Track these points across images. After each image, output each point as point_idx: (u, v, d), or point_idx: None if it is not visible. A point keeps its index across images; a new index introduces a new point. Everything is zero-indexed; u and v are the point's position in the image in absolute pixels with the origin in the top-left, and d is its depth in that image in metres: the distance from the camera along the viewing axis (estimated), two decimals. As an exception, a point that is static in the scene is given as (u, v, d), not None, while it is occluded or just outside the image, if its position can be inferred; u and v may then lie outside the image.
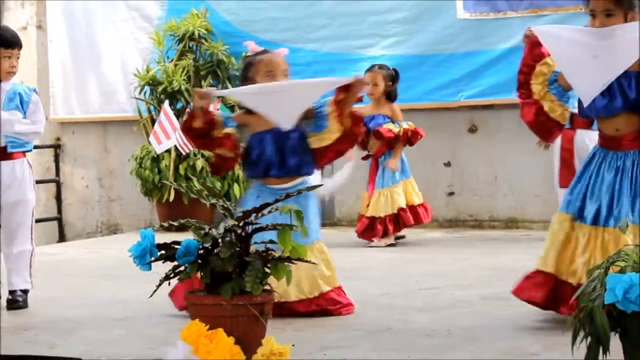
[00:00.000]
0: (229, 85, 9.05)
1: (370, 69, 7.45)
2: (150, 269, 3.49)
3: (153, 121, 8.66)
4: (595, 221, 4.05)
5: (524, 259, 4.30)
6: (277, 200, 3.60)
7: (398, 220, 7.39)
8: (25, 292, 5.00)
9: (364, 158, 7.55)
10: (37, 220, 5.20)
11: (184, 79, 9.06)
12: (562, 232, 4.12)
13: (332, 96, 4.59)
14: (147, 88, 9.31)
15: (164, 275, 3.47)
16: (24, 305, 4.95)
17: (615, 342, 2.81)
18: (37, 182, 5.19)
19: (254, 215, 3.49)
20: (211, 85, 8.93)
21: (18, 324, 4.48)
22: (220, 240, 3.44)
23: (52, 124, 9.92)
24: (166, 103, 8.05)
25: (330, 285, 4.56)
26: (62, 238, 10.22)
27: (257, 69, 4.63)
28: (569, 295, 4.01)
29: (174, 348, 3.33)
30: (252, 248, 3.53)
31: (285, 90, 4.52)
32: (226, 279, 3.39)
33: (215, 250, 3.41)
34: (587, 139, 6.56)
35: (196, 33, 9.20)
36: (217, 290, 3.39)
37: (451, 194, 8.89)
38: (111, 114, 9.92)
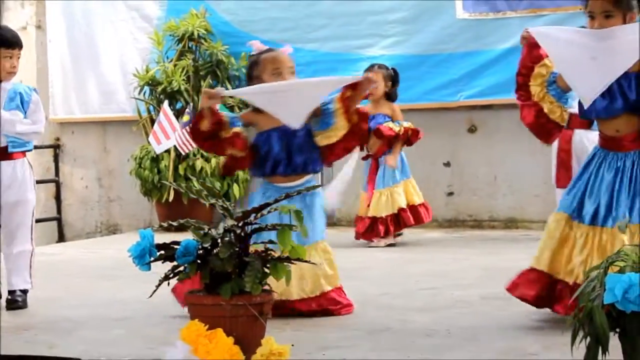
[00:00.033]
0: (228, 85, 9.05)
1: (370, 69, 7.45)
2: (149, 269, 3.49)
3: (152, 121, 8.66)
4: (593, 221, 4.05)
5: (523, 259, 4.29)
6: (285, 197, 3.61)
7: (398, 220, 7.40)
8: (24, 292, 5.00)
9: (364, 158, 7.55)
10: (37, 221, 5.20)
11: (183, 79, 9.06)
12: (557, 231, 4.12)
13: (339, 93, 4.59)
14: (146, 88, 9.31)
15: (163, 275, 3.48)
16: (23, 305, 4.95)
17: (615, 342, 2.81)
18: (37, 182, 5.19)
19: (253, 215, 3.49)
20: (210, 86, 8.94)
21: (18, 324, 4.48)
22: (219, 241, 3.44)
23: (51, 124, 9.93)
24: (165, 103, 8.05)
25: (332, 285, 4.56)
26: (61, 238, 10.23)
27: (263, 67, 4.63)
28: (565, 294, 4.03)
29: (173, 348, 3.33)
30: (252, 248, 3.54)
31: (294, 90, 4.52)
32: (225, 279, 3.39)
33: (215, 251, 3.42)
34: (585, 139, 6.56)
35: (195, 33, 9.20)
36: (216, 291, 3.40)
37: (450, 194, 8.90)
38: (110, 114, 9.92)
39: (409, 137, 7.41)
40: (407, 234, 7.75)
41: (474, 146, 8.80)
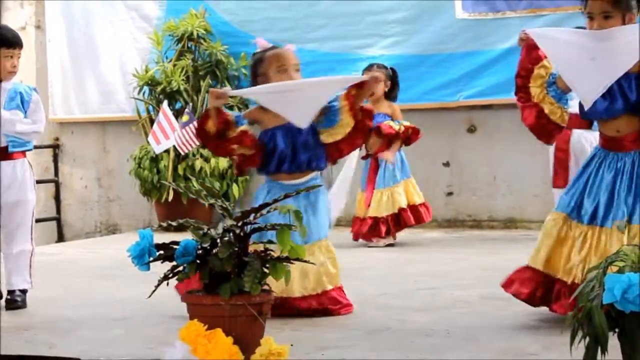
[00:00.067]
0: (228, 85, 9.05)
1: (369, 68, 7.45)
2: (148, 269, 3.50)
3: (152, 121, 8.66)
4: (592, 221, 4.05)
5: (522, 259, 4.29)
6: (286, 196, 3.61)
7: (399, 220, 7.40)
8: (24, 292, 5.00)
9: (364, 157, 7.55)
10: (36, 221, 5.21)
11: (182, 79, 9.06)
12: (554, 230, 4.13)
13: (344, 91, 4.59)
14: (145, 88, 9.31)
15: (162, 275, 3.48)
16: (22, 305, 4.95)
17: (614, 342, 2.81)
18: (36, 182, 5.19)
19: (253, 215, 3.50)
20: (210, 86, 8.94)
21: (17, 324, 4.48)
22: (218, 241, 3.44)
23: (51, 124, 9.92)
24: (165, 103, 8.04)
25: (333, 284, 4.56)
26: (60, 238, 10.23)
27: (268, 65, 4.62)
28: (563, 293, 4.03)
29: (172, 348, 3.33)
30: (252, 247, 3.54)
31: (300, 89, 4.52)
32: (225, 279, 3.39)
33: (214, 250, 3.42)
34: (583, 139, 6.58)
35: (195, 33, 9.20)
36: (215, 290, 3.40)
37: (450, 194, 8.90)
38: (110, 114, 9.92)
39: (409, 136, 7.41)
40: (407, 234, 7.75)
41: (473, 146, 8.80)
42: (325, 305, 4.51)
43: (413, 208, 7.45)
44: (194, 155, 8.91)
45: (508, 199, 8.70)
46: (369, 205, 7.40)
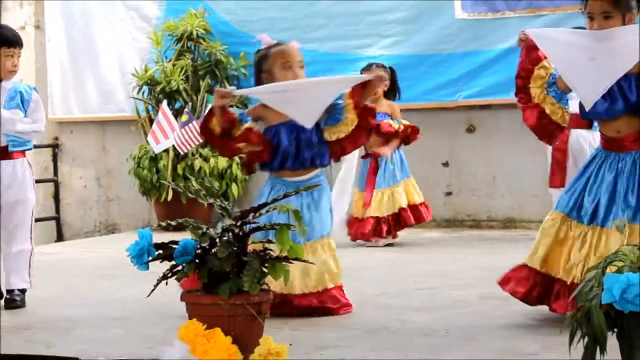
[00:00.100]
0: (227, 85, 9.04)
1: (368, 68, 7.45)
2: (147, 268, 3.50)
3: (151, 121, 8.66)
4: (592, 221, 4.05)
5: (521, 259, 4.29)
6: (287, 195, 3.63)
7: (399, 220, 7.40)
8: (23, 291, 5.00)
9: (364, 157, 7.55)
10: (35, 220, 5.21)
11: (182, 79, 9.06)
12: (553, 230, 4.13)
13: (349, 89, 4.59)
14: (145, 88, 9.32)
15: (161, 274, 3.48)
16: (21, 304, 4.95)
17: (613, 342, 2.81)
18: (35, 181, 5.20)
19: (252, 214, 3.50)
20: (210, 86, 8.95)
21: (16, 324, 4.48)
22: (217, 240, 3.44)
23: (50, 124, 9.91)
24: (164, 103, 8.05)
25: (334, 282, 4.56)
26: (60, 238, 10.22)
27: (273, 61, 4.62)
28: (562, 293, 4.03)
29: (171, 347, 3.33)
30: (251, 247, 3.54)
31: (305, 89, 4.52)
32: (224, 278, 3.39)
33: (213, 250, 3.42)
34: (582, 139, 6.58)
35: (194, 33, 9.20)
36: (214, 290, 3.40)
37: (449, 194, 8.90)
38: (109, 113, 9.92)
39: (409, 135, 7.42)
40: (406, 234, 7.75)
41: (472, 146, 8.80)
42: (325, 304, 4.51)
43: (413, 208, 7.45)
44: (193, 154, 8.91)
45: (507, 199, 8.70)
46: (368, 206, 7.40)
